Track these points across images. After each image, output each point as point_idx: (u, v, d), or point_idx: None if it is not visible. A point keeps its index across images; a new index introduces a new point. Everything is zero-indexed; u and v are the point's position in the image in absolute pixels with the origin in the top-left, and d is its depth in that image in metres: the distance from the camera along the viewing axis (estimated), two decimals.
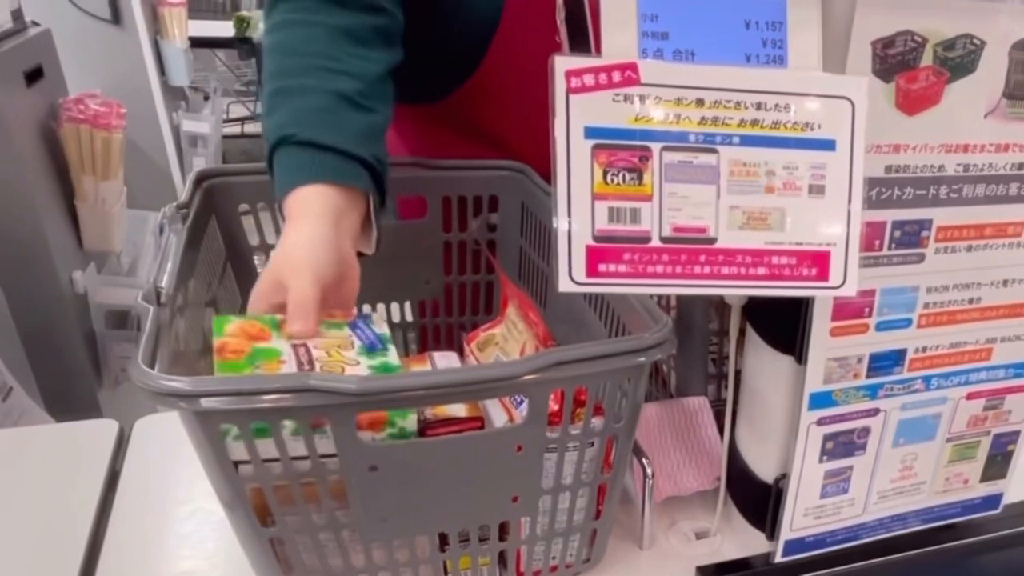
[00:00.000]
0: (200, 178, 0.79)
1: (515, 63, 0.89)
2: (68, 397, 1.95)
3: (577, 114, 0.48)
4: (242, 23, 3.58)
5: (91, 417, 0.91)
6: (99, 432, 0.88)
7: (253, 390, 0.49)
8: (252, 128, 4.18)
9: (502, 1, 0.86)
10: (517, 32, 0.88)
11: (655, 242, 0.50)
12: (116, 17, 2.53)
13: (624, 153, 0.48)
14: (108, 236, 2.04)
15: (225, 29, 3.62)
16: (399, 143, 1.05)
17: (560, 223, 0.48)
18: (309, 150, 0.68)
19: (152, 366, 0.50)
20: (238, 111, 4.22)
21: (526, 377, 0.52)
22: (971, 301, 0.63)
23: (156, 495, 0.79)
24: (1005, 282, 0.63)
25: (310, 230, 0.65)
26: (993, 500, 0.75)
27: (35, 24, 2.01)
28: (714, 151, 0.50)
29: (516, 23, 0.87)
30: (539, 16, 0.84)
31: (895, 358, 0.63)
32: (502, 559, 0.67)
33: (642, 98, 0.48)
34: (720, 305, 0.84)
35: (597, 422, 0.60)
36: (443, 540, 0.63)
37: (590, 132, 0.48)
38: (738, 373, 0.71)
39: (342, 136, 0.69)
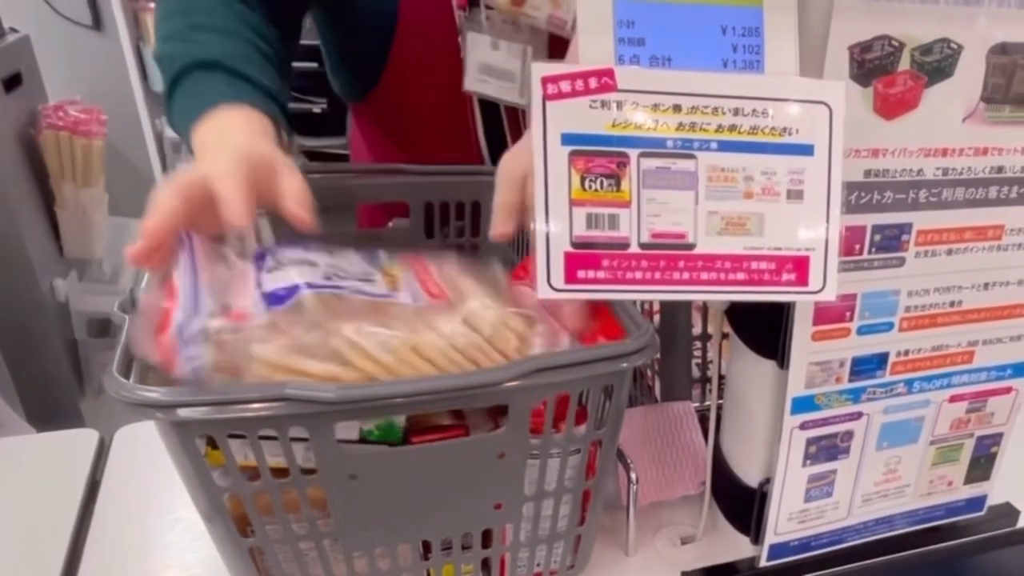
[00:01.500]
0: None
1: (414, 70, 0.93)
2: (49, 407, 1.93)
3: (554, 120, 0.47)
4: None
5: (73, 427, 0.90)
6: (79, 442, 0.87)
7: (230, 399, 0.48)
8: None
9: (395, 13, 0.88)
10: (413, 43, 0.90)
11: (634, 248, 0.49)
12: (97, 23, 2.51)
13: (602, 159, 0.48)
14: (89, 243, 2.02)
15: None
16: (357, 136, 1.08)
17: (538, 230, 0.48)
18: (242, 80, 0.68)
19: (127, 376, 0.50)
20: None
21: (507, 384, 0.52)
22: (952, 304, 0.63)
23: (137, 505, 0.78)
24: (986, 285, 0.63)
25: (237, 132, 0.63)
26: (977, 502, 0.75)
27: (14, 30, 1.99)
28: (692, 157, 0.49)
29: (412, 35, 0.90)
30: (434, 29, 0.87)
31: (877, 362, 0.63)
32: (485, 566, 0.66)
33: (619, 104, 0.48)
34: (703, 309, 0.84)
35: (580, 428, 0.59)
36: (426, 548, 0.62)
37: (567, 139, 0.48)
38: (722, 378, 0.71)
39: (271, 83, 0.70)
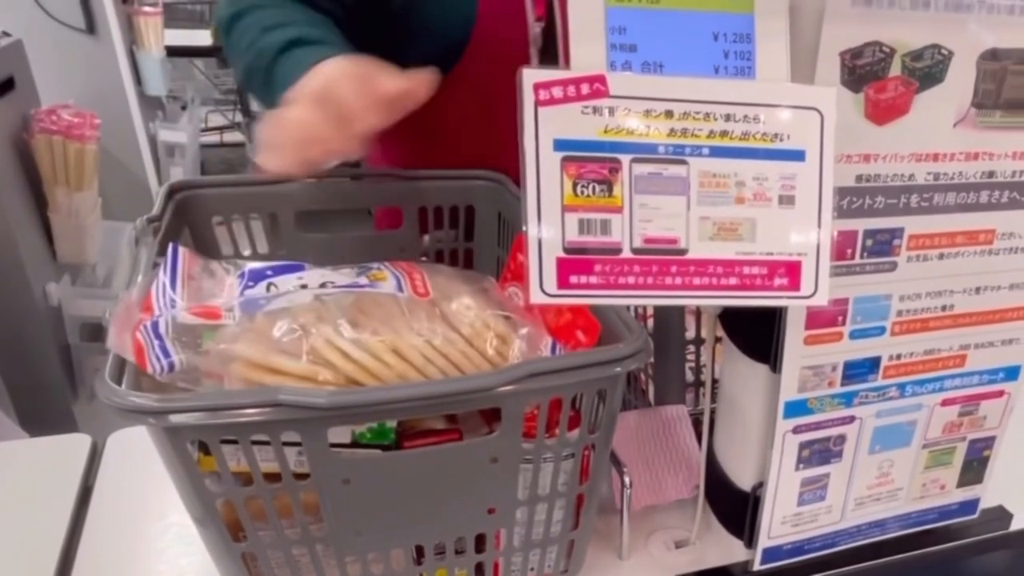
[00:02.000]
0: (172, 191, 0.78)
1: (477, 82, 0.91)
2: (42, 411, 1.93)
3: (546, 126, 0.47)
4: None
5: (66, 431, 0.90)
6: (71, 447, 0.86)
7: (222, 405, 0.48)
8: (231, 137, 4.16)
9: (471, 25, 0.88)
10: (483, 54, 0.89)
11: (626, 253, 0.49)
12: (90, 27, 2.50)
13: (594, 165, 0.48)
14: (82, 248, 2.02)
15: (203, 38, 3.61)
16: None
17: (531, 235, 0.48)
18: (327, 46, 0.71)
19: (120, 382, 0.50)
20: (217, 120, 4.20)
21: (501, 389, 0.52)
22: (944, 308, 0.63)
23: (129, 510, 0.78)
24: (977, 289, 0.63)
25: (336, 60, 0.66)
26: (970, 505, 0.75)
27: (6, 35, 1.99)
28: (684, 162, 0.50)
29: (484, 45, 0.89)
30: (506, 42, 0.86)
31: (869, 366, 0.63)
32: (479, 571, 0.66)
33: (611, 110, 0.48)
34: (697, 313, 0.84)
35: (573, 433, 0.59)
36: (419, 553, 0.62)
37: (559, 144, 0.48)
38: (716, 382, 0.71)
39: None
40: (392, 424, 0.57)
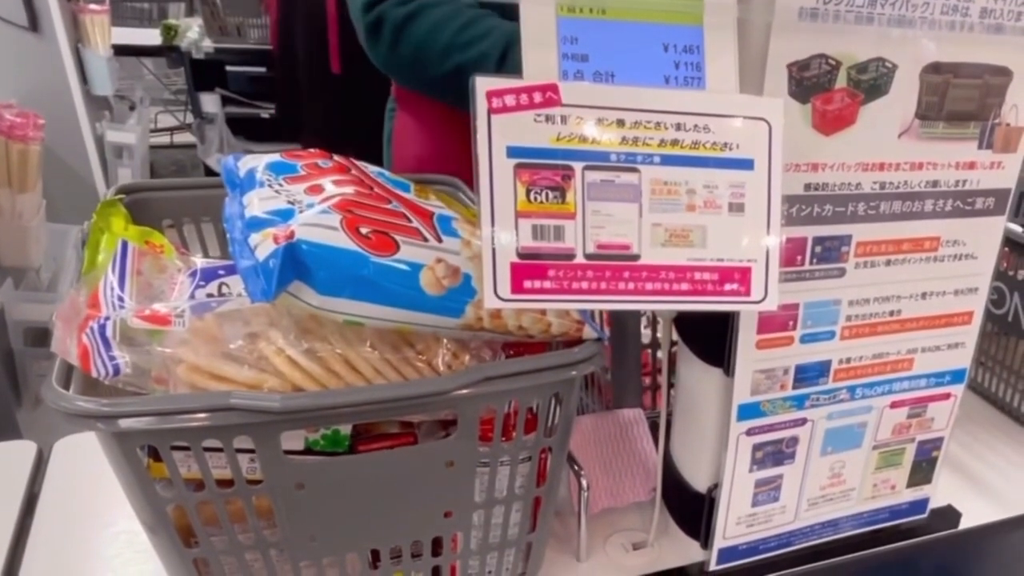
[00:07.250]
0: (120, 193, 0.76)
1: None
2: None
3: (499, 134, 0.48)
4: (169, 31, 3.51)
5: (10, 439, 0.87)
6: (15, 454, 0.84)
7: (173, 410, 0.47)
8: (181, 138, 4.10)
9: None
10: None
11: (579, 259, 0.50)
12: (34, 24, 2.44)
13: (547, 172, 0.49)
14: (25, 251, 1.97)
15: (151, 37, 3.56)
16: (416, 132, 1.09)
17: (484, 241, 0.48)
18: None
19: (67, 386, 0.49)
20: (167, 120, 4.14)
21: (456, 393, 0.52)
22: (892, 313, 0.65)
23: (77, 518, 0.76)
24: (924, 295, 0.65)
25: None
26: (920, 505, 0.77)
27: None
28: (635, 170, 0.50)
29: None
30: None
31: (820, 369, 0.64)
32: (436, 574, 0.66)
33: (563, 118, 0.49)
34: (652, 318, 0.85)
35: (529, 436, 0.60)
36: (375, 557, 0.62)
37: (512, 151, 0.48)
38: (672, 385, 0.72)
39: None
40: (346, 431, 0.56)
